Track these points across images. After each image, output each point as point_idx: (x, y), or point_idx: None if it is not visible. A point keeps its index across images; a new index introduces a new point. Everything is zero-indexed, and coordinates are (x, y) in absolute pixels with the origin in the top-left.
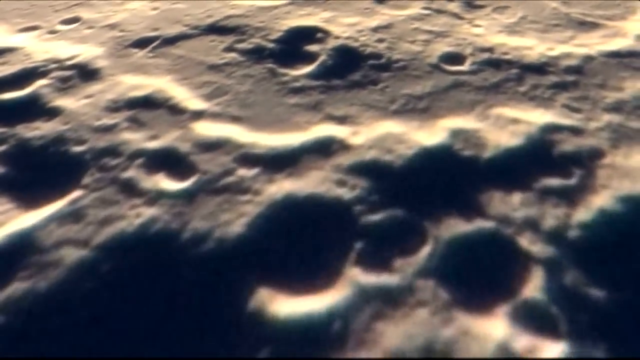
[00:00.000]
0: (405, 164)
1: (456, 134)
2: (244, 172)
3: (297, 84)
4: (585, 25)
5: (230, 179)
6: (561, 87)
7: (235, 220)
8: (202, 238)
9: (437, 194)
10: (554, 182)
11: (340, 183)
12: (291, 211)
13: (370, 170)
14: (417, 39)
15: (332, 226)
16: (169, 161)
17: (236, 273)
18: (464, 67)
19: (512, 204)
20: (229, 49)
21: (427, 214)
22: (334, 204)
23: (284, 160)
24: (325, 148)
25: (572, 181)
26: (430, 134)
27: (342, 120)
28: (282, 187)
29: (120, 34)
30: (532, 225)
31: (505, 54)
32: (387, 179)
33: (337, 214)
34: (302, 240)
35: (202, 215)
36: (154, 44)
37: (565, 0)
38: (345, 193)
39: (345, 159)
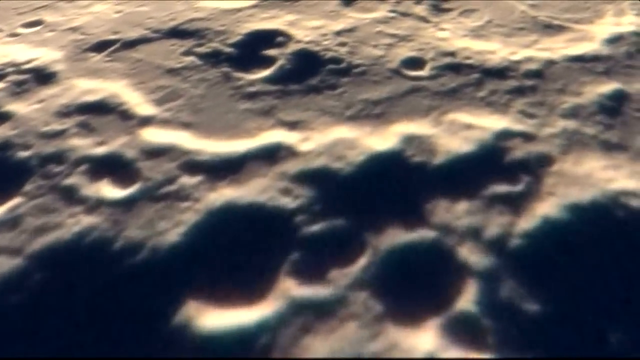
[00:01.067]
0: (354, 170)
1: (408, 139)
2: (186, 179)
3: (252, 89)
4: (552, 29)
5: (171, 187)
6: (520, 92)
7: (171, 229)
8: (137, 247)
9: (383, 202)
10: (501, 189)
11: (284, 191)
12: (229, 220)
13: (317, 177)
14: (380, 43)
15: (270, 236)
16: (113, 168)
17: (167, 283)
18: (424, 72)
19: (456, 212)
20: (188, 53)
21: (369, 223)
22: (274, 213)
23: (228, 167)
24: (272, 155)
25: (519, 188)
26: (383, 140)
27: (293, 126)
28: (223, 194)
29: (81, 37)
30: (474, 234)
31: (467, 58)
32: (333, 186)
33: (277, 223)
34: (238, 251)
35: (139, 224)
36: (113, 48)
37: (534, 3)
38: (288, 202)
39: (292, 166)
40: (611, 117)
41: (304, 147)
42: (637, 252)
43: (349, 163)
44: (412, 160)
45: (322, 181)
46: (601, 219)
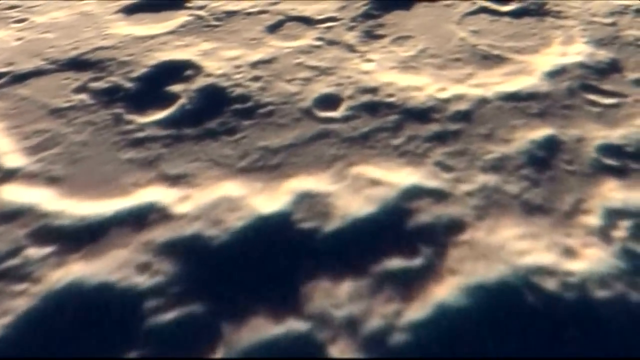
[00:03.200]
0: (229, 240)
1: (302, 198)
2: (33, 251)
3: (141, 134)
4: (490, 60)
5: (12, 262)
6: (441, 139)
7: None
8: None
9: (255, 283)
10: (395, 264)
11: (143, 267)
12: (68, 307)
13: (186, 248)
14: (297, 77)
15: (112, 327)
16: None
17: None
18: (337, 113)
19: (338, 297)
20: (81, 89)
21: (232, 311)
22: (125, 296)
23: (88, 234)
24: (142, 218)
25: (417, 263)
26: (272, 199)
27: (175, 180)
28: (70, 272)
29: None
30: (352, 326)
31: (390, 96)
32: (201, 261)
33: (124, 310)
34: (70, 348)
35: None
36: (1, 82)
37: (477, 29)
38: (143, 281)
39: (160, 234)
40: (538, 172)
41: (180, 208)
42: (542, 348)
43: (226, 229)
44: (300, 227)
45: (190, 253)
46: (506, 306)
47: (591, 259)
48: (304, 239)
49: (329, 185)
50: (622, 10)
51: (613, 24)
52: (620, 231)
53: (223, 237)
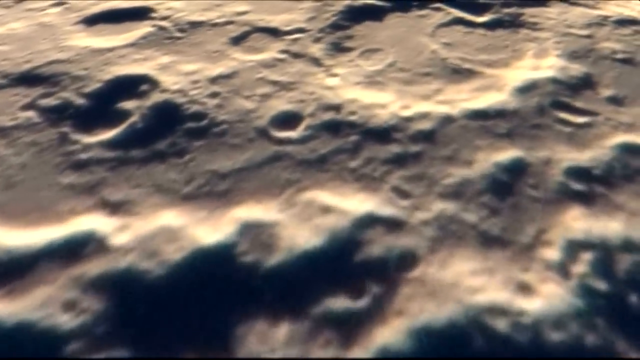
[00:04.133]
0: (164, 274)
1: (246, 228)
2: None
3: (85, 156)
4: (460, 74)
5: None
6: (400, 161)
7: None
8: None
9: (186, 323)
10: (339, 304)
11: (69, 305)
12: None
13: (117, 283)
14: (256, 93)
15: None
16: None
17: None
18: (295, 133)
19: (272, 342)
20: (29, 106)
21: (159, 355)
22: (44, 337)
23: (16, 268)
24: (74, 250)
25: (362, 304)
26: (215, 229)
27: (115, 208)
28: None
29: None
30: None
31: (352, 114)
32: (132, 297)
33: (40, 354)
34: None
35: None
36: None
37: (449, 42)
38: (66, 321)
39: (93, 267)
40: (500, 198)
41: (117, 239)
42: None
43: (162, 263)
44: (241, 260)
45: (121, 289)
46: (453, 349)
47: (547, 297)
48: (243, 274)
49: (277, 214)
50: (601, 22)
51: (589, 36)
52: (580, 265)
53: (157, 271)
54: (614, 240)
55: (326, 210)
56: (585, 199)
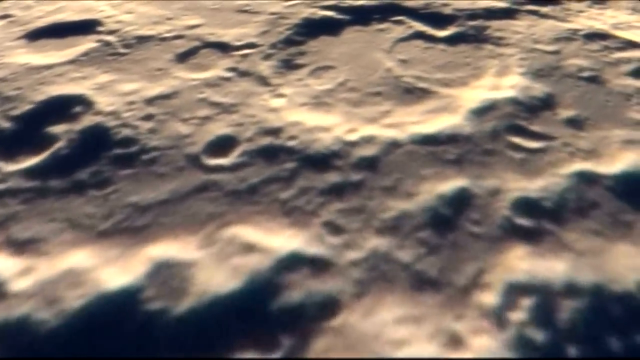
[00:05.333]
0: (60, 324)
1: (159, 269)
2: None
3: (2, 187)
4: (413, 95)
5: None
6: (337, 192)
7: None
8: None
9: None
10: None
11: None
12: None
13: (8, 336)
14: (195, 116)
15: None
16: None
17: None
18: (228, 161)
19: None
20: None
21: None
22: None
23: None
24: None
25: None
26: (125, 270)
27: (22, 247)
28: None
29: None
30: None
31: (292, 138)
32: (22, 353)
33: None
34: None
35: None
36: None
37: (406, 58)
38: None
39: None
40: (439, 234)
41: (18, 283)
42: None
43: (60, 312)
44: (146, 307)
45: (11, 342)
46: None
47: (478, 351)
48: (146, 323)
49: (195, 252)
50: (570, 36)
51: (556, 52)
52: (519, 312)
53: (53, 321)
54: (558, 283)
55: (248, 248)
56: (532, 236)
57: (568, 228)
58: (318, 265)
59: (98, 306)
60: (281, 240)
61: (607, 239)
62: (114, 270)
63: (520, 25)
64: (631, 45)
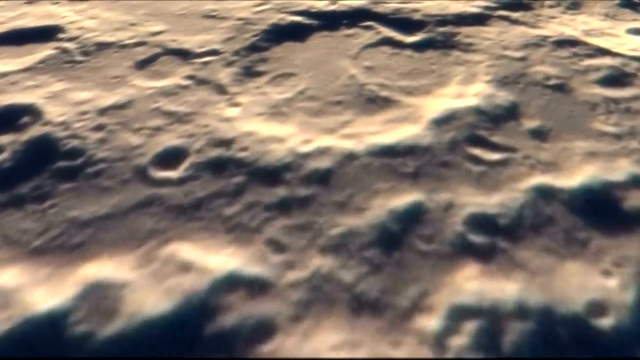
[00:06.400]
0: None
1: (90, 290)
2: None
3: None
4: (374, 104)
5: None
6: (284, 207)
7: None
8: None
9: None
10: None
11: None
12: None
13: None
14: (147, 126)
15: None
16: None
17: None
18: (176, 173)
19: None
20: None
21: None
22: None
23: None
24: None
25: None
26: (55, 291)
27: None
28: None
29: None
30: None
31: (243, 150)
32: None
33: None
34: None
35: None
36: None
37: (371, 65)
38: None
39: None
40: (386, 253)
41: None
42: None
43: None
44: (73, 331)
45: None
46: None
47: None
48: (70, 348)
49: (130, 272)
50: (539, 42)
51: (523, 59)
52: (461, 337)
53: None
54: (507, 305)
55: (185, 268)
56: (484, 255)
57: (522, 246)
58: (257, 287)
59: (23, 330)
60: (220, 259)
61: (560, 258)
62: (44, 291)
63: (490, 32)
64: (601, 52)
